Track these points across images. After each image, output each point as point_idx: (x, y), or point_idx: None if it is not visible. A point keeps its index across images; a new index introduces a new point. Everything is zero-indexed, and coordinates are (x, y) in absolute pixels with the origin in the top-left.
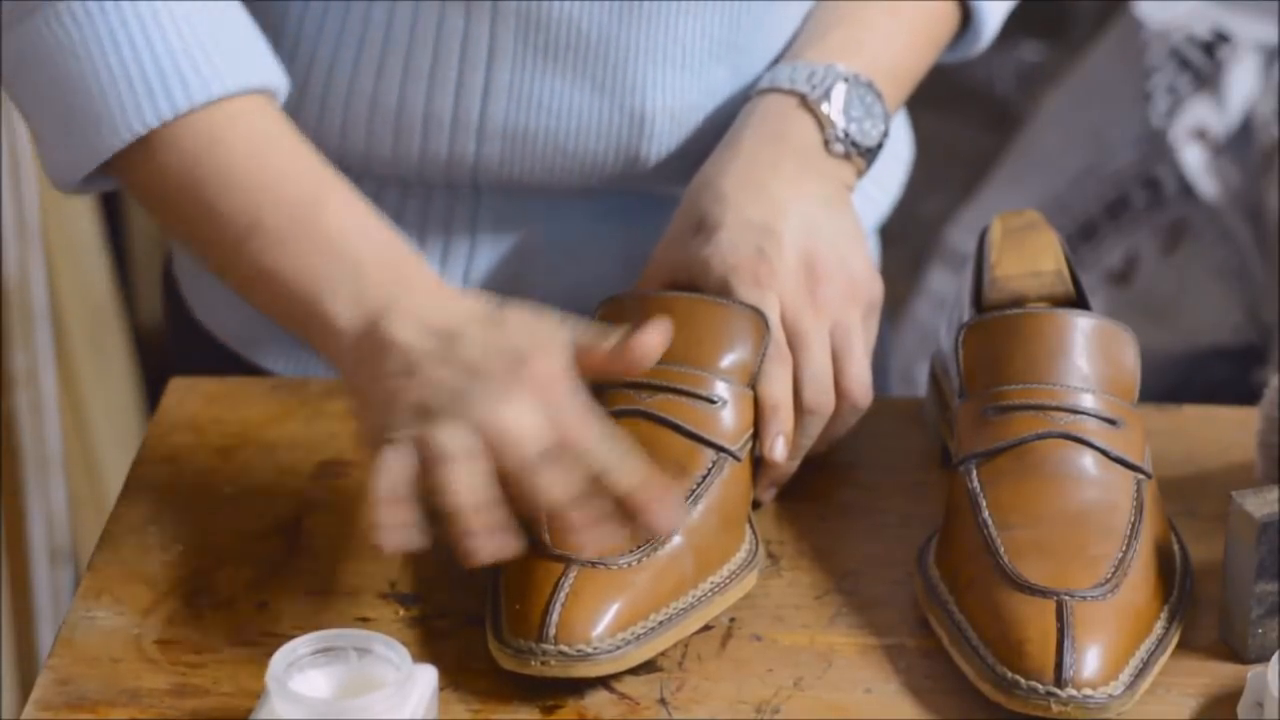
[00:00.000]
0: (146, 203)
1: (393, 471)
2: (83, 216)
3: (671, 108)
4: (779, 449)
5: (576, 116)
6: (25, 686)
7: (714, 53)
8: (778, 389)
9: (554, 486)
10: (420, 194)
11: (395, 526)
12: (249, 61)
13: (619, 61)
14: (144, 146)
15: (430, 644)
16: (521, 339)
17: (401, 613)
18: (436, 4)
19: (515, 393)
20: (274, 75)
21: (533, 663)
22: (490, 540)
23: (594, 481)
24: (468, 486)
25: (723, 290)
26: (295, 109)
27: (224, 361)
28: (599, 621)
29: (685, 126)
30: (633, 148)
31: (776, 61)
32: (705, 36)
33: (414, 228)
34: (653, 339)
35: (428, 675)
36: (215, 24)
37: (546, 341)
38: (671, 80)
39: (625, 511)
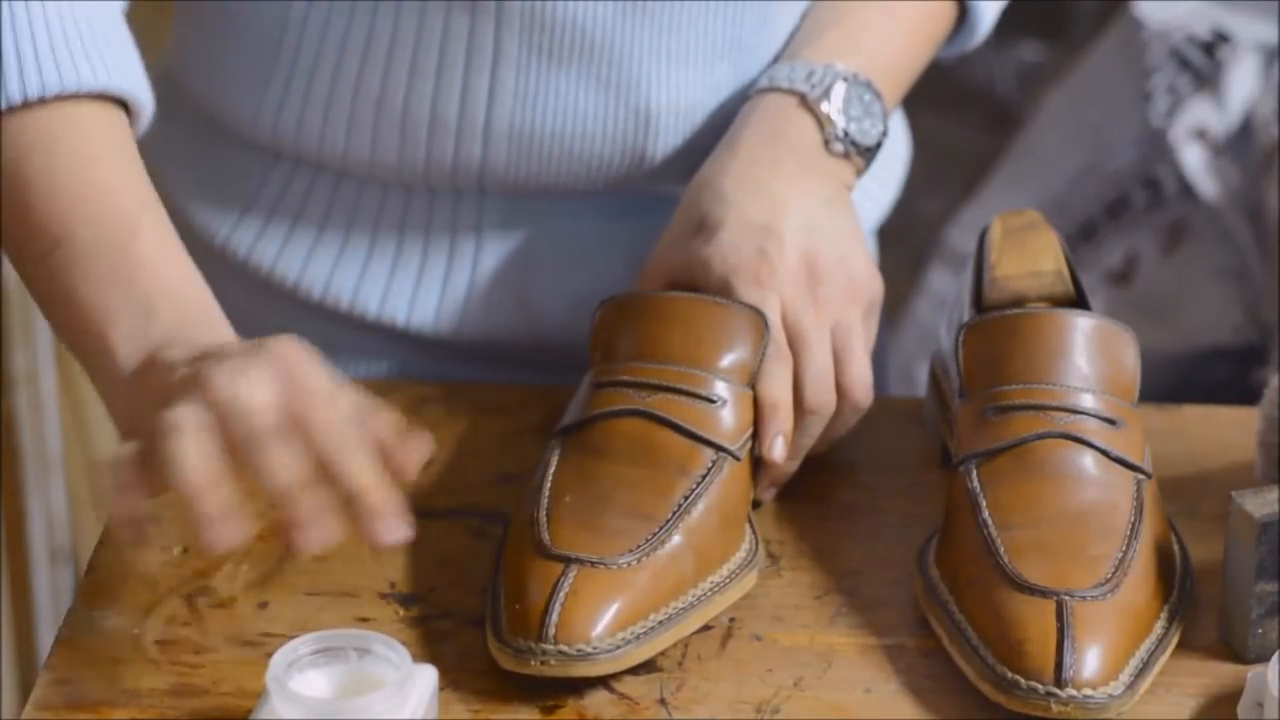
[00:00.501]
0: None
1: (125, 467)
2: None
3: (677, 105)
4: (778, 449)
5: (582, 116)
6: (25, 686)
7: (719, 50)
8: (777, 389)
9: (279, 468)
10: (425, 199)
11: (133, 518)
12: (114, 66)
13: (624, 60)
14: None
15: (430, 644)
16: (273, 348)
17: (401, 613)
18: (441, 6)
19: (253, 366)
20: (137, 87)
21: (532, 662)
22: (225, 522)
23: (322, 467)
24: (194, 456)
25: (724, 290)
26: (299, 115)
27: None
28: (599, 621)
29: (691, 124)
30: (639, 146)
31: (774, 60)
32: (710, 34)
33: (419, 231)
34: (419, 451)
35: (428, 675)
36: (89, 21)
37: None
38: (676, 78)
39: (349, 510)
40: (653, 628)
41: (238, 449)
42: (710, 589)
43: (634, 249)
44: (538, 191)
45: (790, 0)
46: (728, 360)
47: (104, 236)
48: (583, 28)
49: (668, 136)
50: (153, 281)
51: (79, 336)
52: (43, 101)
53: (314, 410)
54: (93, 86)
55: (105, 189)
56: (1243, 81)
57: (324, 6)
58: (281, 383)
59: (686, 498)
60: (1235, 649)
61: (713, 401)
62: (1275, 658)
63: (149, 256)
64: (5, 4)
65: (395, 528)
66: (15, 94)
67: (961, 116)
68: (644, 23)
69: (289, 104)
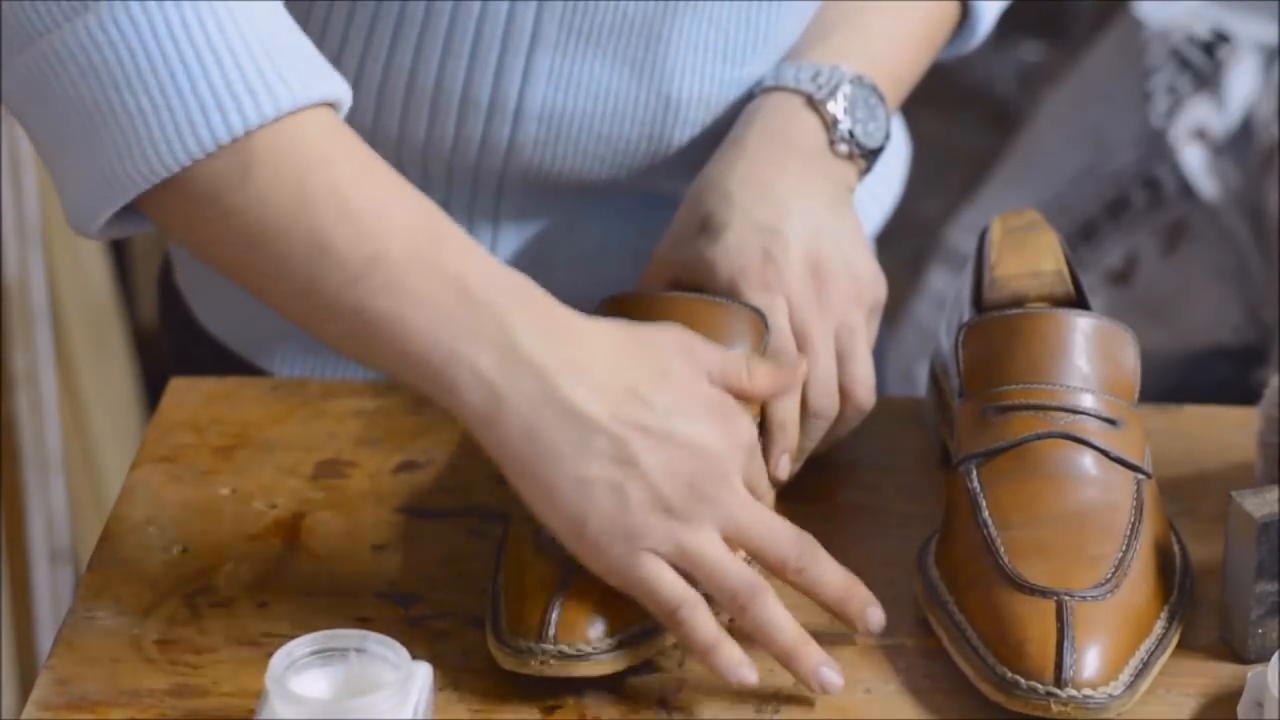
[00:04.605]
0: (214, 235)
1: (700, 611)
2: None
3: (706, 98)
4: (783, 467)
5: (613, 100)
6: (25, 686)
7: (755, 45)
8: (788, 406)
9: (829, 578)
10: (441, 193)
11: (742, 661)
12: (323, 68)
13: (659, 46)
14: (232, 157)
15: (430, 644)
16: (703, 391)
17: (401, 613)
18: None
19: (737, 472)
20: (344, 85)
21: (532, 663)
22: (829, 667)
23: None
24: (789, 625)
25: (730, 292)
26: None
27: (224, 361)
28: (599, 621)
29: (716, 119)
30: (665, 135)
31: (780, 60)
32: (749, 28)
33: None
34: (803, 369)
35: (424, 673)
36: (284, 28)
37: (724, 387)
38: (709, 70)
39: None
40: (653, 628)
41: (737, 602)
42: None
43: (647, 252)
44: (559, 181)
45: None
46: None
47: (417, 249)
48: (624, 11)
49: (692, 128)
50: (486, 285)
51: (420, 362)
52: (287, 116)
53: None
54: (329, 94)
55: (394, 198)
56: (1243, 81)
57: None
58: (745, 475)
59: None
60: (1235, 649)
61: None
62: (1275, 658)
63: (464, 256)
64: (218, 14)
65: (878, 615)
66: (269, 110)
67: (961, 116)
68: (684, 11)
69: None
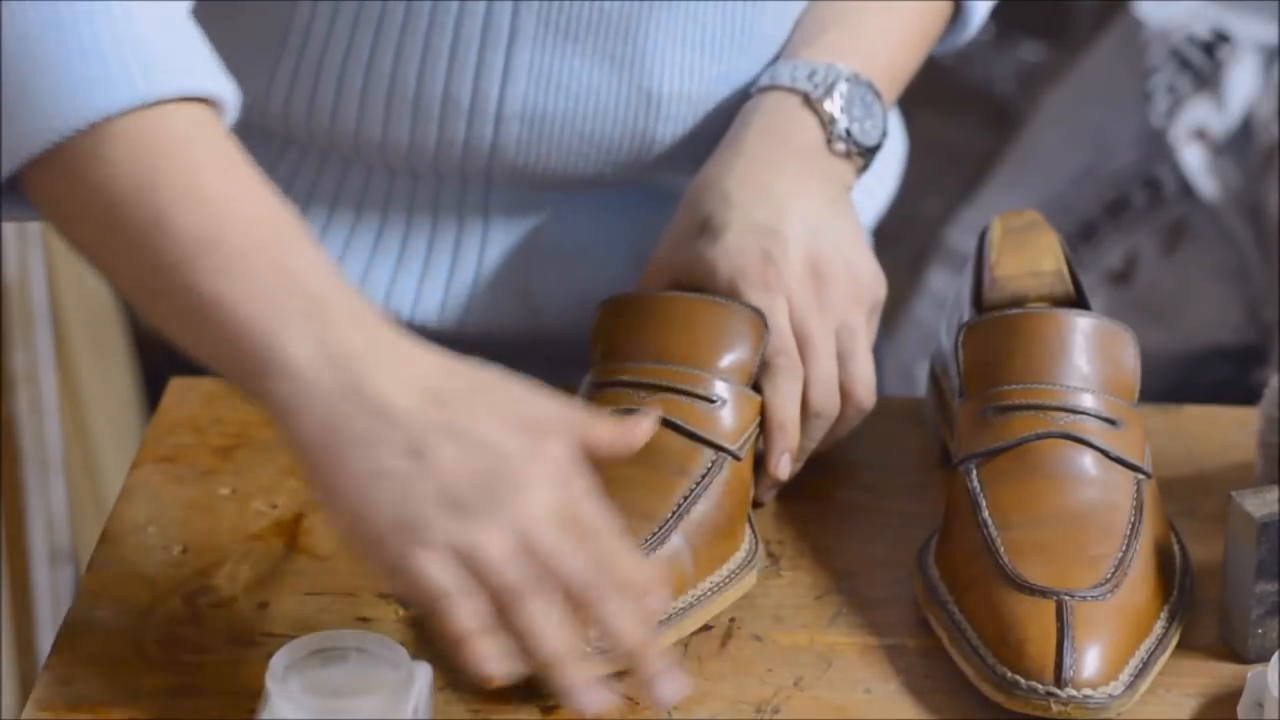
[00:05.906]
0: (75, 213)
1: (461, 603)
2: None
3: (687, 92)
4: (784, 466)
5: (594, 96)
6: (25, 686)
7: (735, 39)
8: (789, 407)
9: (617, 627)
10: (431, 189)
11: (498, 655)
12: (208, 66)
13: (638, 41)
14: (93, 139)
15: (430, 644)
16: (525, 406)
17: (401, 613)
18: None
19: (537, 485)
20: (230, 88)
21: None
22: (594, 689)
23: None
24: (555, 630)
25: (730, 293)
26: (310, 94)
27: None
28: None
29: (698, 113)
30: (647, 131)
31: (774, 59)
32: (728, 22)
33: (425, 223)
34: (645, 426)
35: (423, 673)
36: (172, 23)
37: (549, 411)
38: (689, 63)
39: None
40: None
41: (504, 599)
42: (710, 589)
43: (636, 245)
44: (544, 179)
45: None
46: (727, 360)
47: (257, 239)
48: (602, 7)
49: (675, 123)
50: (315, 282)
51: (236, 350)
52: (156, 105)
53: (581, 545)
54: (209, 90)
55: (248, 190)
56: (1243, 81)
57: None
58: (562, 501)
59: (686, 498)
60: (1235, 649)
61: (712, 401)
62: (1275, 658)
63: (302, 255)
64: (101, 7)
65: (675, 682)
66: (146, 90)
67: (961, 116)
68: (662, 7)
69: (300, 82)
